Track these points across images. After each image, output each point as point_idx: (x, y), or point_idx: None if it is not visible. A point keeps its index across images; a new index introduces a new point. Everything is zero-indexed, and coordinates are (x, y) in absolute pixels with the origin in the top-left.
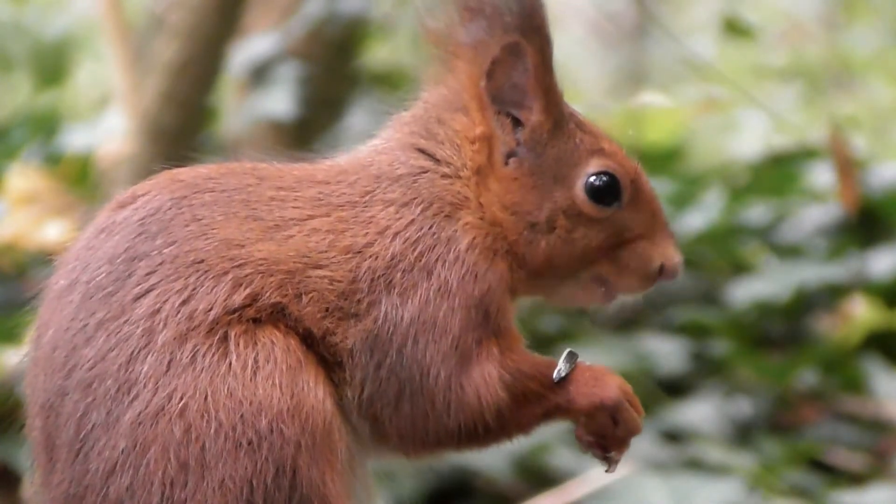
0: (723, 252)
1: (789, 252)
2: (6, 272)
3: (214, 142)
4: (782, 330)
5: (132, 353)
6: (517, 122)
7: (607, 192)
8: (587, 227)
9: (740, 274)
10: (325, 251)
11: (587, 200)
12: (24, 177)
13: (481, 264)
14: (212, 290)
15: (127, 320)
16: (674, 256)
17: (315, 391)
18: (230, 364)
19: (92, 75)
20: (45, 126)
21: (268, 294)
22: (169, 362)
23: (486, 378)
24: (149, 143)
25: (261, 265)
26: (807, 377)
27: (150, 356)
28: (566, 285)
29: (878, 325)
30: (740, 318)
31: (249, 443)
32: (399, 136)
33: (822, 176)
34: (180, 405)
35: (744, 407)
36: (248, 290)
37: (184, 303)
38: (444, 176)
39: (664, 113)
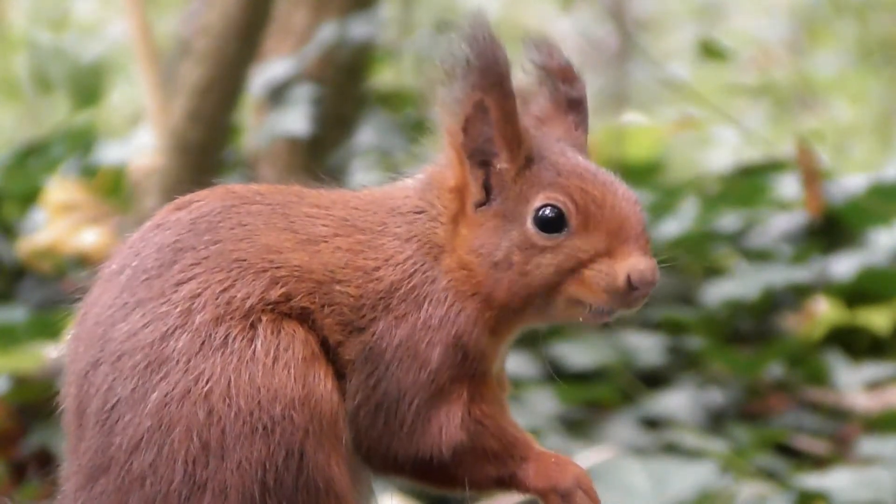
0: (697, 256)
1: (758, 256)
2: (47, 274)
3: (237, 156)
4: (751, 327)
5: (167, 330)
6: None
7: (553, 221)
8: (540, 257)
9: (713, 276)
10: (344, 268)
11: (535, 232)
12: (63, 188)
13: (456, 306)
14: (251, 282)
15: (166, 301)
16: (638, 264)
17: (324, 382)
18: (255, 350)
19: (125, 96)
20: (82, 142)
21: (299, 297)
22: (202, 343)
23: (450, 417)
24: (177, 158)
25: (295, 271)
26: (774, 370)
27: (185, 334)
28: (546, 312)
29: (838, 322)
30: (713, 316)
31: (264, 428)
32: (413, 179)
33: (788, 187)
34: (206, 389)
35: (716, 397)
36: (283, 289)
37: (224, 290)
38: (432, 219)
39: (644, 131)
